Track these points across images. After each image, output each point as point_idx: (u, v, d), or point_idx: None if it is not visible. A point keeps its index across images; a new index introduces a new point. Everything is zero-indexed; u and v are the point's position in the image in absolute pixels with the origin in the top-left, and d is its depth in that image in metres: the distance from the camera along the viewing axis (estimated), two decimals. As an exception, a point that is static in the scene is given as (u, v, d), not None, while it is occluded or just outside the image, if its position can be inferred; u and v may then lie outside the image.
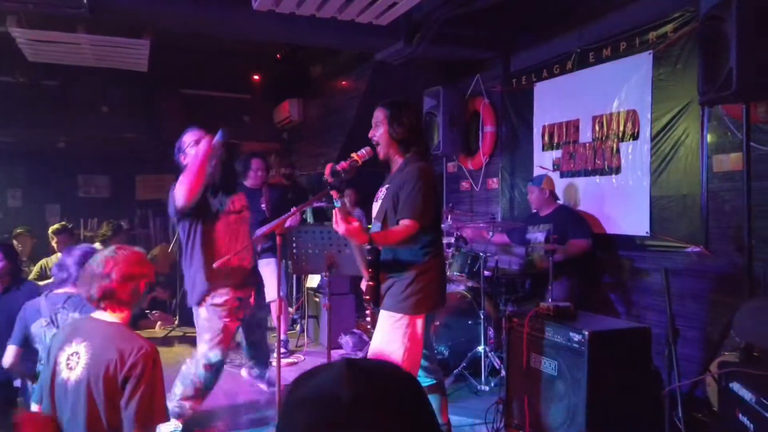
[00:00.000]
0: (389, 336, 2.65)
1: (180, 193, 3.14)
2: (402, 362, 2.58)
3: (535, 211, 4.68)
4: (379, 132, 2.76)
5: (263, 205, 4.89)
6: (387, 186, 2.78)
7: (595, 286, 4.46)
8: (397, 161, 2.77)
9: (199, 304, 3.30)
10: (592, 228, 4.40)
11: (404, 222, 2.57)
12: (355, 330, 5.16)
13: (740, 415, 1.89)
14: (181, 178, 3.19)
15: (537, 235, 4.45)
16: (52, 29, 4.76)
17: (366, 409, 0.66)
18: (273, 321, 5.19)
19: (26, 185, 9.26)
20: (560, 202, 4.64)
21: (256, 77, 8.43)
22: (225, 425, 3.62)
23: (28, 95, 7.26)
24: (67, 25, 4.79)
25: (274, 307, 4.93)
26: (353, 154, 2.77)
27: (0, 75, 6.77)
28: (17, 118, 7.28)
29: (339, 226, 2.47)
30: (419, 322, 2.66)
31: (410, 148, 2.73)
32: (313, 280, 5.60)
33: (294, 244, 3.78)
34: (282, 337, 5.29)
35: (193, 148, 3.27)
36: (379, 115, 2.77)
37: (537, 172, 5.16)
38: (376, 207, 2.86)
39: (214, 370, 3.31)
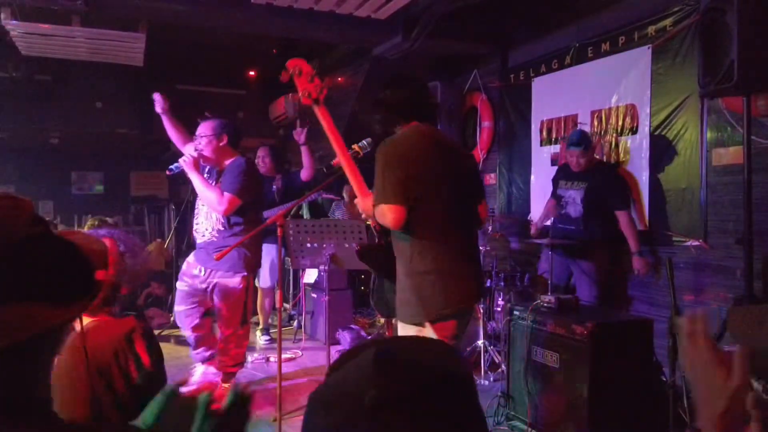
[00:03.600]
0: None
1: None
2: None
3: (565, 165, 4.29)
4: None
5: (274, 188, 5.23)
6: None
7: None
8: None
9: None
10: (632, 193, 4.11)
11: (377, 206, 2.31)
12: (352, 326, 5.13)
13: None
14: None
15: (571, 193, 4.13)
16: (47, 22, 4.70)
17: (389, 415, 0.57)
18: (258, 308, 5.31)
19: (18, 182, 9.15)
20: (597, 156, 4.27)
21: (251, 73, 8.37)
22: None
23: (20, 90, 7.17)
24: (61, 18, 4.74)
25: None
26: (354, 145, 2.77)
27: (-8, 69, 6.69)
28: (9, 113, 7.18)
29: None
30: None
31: (394, 125, 2.49)
32: (311, 276, 5.57)
33: (292, 239, 3.76)
34: (263, 324, 5.33)
35: None
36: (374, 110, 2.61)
37: (537, 163, 5.14)
38: None
39: None
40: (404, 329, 2.32)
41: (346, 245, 3.84)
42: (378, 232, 2.59)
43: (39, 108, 7.41)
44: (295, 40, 6.44)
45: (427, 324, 2.24)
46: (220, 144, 3.69)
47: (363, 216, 2.69)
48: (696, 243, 3.72)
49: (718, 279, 3.62)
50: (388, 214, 2.23)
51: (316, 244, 3.75)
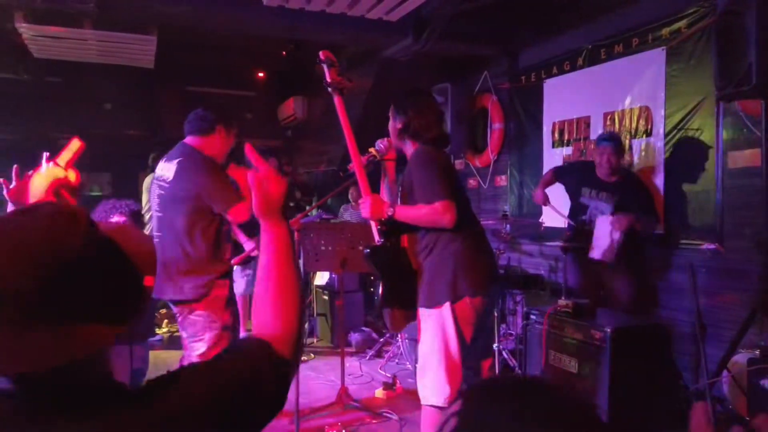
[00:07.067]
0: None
1: None
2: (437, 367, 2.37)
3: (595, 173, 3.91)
4: (389, 125, 2.70)
5: None
6: (402, 178, 2.68)
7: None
8: (409, 151, 2.65)
9: None
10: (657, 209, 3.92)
11: (434, 204, 2.39)
12: (363, 328, 5.13)
13: (774, 413, 1.87)
14: None
15: (599, 204, 3.84)
16: (59, 25, 4.71)
17: None
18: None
19: (27, 183, 9.17)
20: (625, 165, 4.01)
21: (260, 74, 8.37)
22: None
23: (31, 92, 7.20)
24: (73, 21, 4.74)
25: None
26: (371, 149, 2.73)
27: (4, 71, 6.70)
28: (20, 114, 7.23)
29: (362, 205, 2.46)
30: (444, 312, 2.37)
31: (419, 137, 2.58)
32: (321, 278, 5.56)
33: (307, 242, 3.76)
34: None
35: None
36: (390, 109, 2.72)
37: (548, 165, 5.07)
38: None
39: None
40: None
41: (359, 248, 3.83)
42: (382, 233, 2.56)
43: (49, 110, 7.45)
44: (304, 42, 6.42)
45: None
46: None
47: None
48: (712, 246, 3.70)
49: (734, 283, 3.59)
50: (440, 208, 2.36)
51: (330, 248, 3.75)
